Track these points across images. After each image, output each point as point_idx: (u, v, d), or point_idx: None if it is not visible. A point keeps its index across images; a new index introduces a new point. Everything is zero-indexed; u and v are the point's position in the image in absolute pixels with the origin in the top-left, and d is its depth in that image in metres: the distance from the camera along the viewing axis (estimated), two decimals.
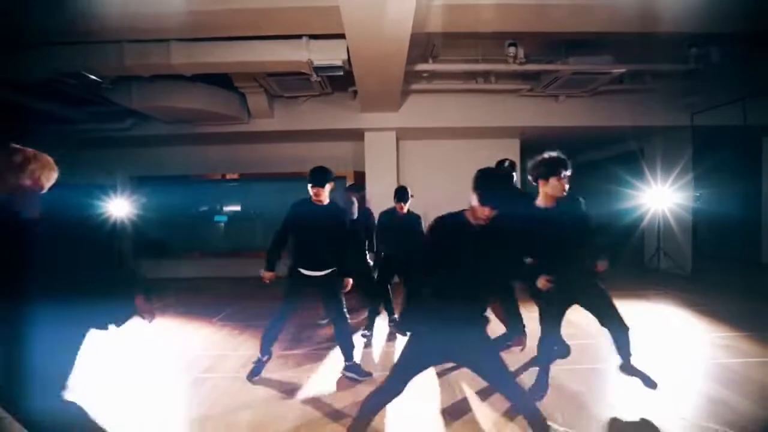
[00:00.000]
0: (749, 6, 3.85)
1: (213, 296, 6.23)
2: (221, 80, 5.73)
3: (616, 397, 2.84)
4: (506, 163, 3.33)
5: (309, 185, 2.95)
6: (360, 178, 7.33)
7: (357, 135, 7.24)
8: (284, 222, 3.07)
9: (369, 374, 3.12)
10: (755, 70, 5.64)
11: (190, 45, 4.35)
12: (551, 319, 2.64)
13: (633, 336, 2.63)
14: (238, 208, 8.02)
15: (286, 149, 7.80)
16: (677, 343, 3.87)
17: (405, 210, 4.05)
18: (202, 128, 6.79)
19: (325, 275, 3.04)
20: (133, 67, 4.48)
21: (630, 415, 2.58)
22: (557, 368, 3.27)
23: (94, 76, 4.57)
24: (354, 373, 3.11)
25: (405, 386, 1.90)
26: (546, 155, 2.49)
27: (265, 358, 3.17)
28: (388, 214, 4.14)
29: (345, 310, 3.12)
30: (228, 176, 7.80)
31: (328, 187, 2.96)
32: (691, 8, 3.87)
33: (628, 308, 4.73)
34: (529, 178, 2.60)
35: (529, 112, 6.87)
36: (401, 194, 4.01)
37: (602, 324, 2.63)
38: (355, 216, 4.38)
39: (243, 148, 7.78)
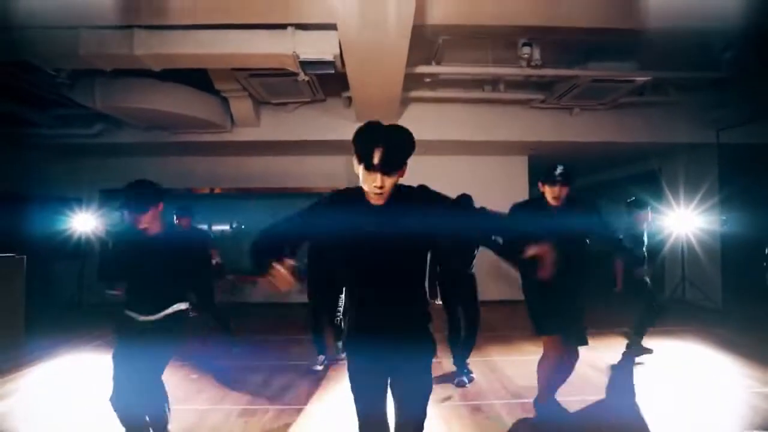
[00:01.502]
0: None
1: None
2: (200, 82, 5.12)
3: None
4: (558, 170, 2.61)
5: None
6: None
7: (351, 147, 6.60)
8: None
9: None
10: None
11: (157, 33, 3.73)
12: None
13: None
14: (222, 226, 7.30)
15: (273, 162, 7.14)
16: (711, 394, 3.16)
17: None
18: (180, 137, 6.13)
19: None
20: (90, 58, 3.83)
21: None
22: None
23: (44, 66, 3.93)
24: None
25: None
26: None
27: None
28: None
29: None
30: (216, 191, 7.14)
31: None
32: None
33: (650, 346, 4.02)
34: None
35: (539, 125, 6.29)
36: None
37: None
38: None
39: (226, 160, 7.12)
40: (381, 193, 1.36)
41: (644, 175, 7.80)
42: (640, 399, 3.09)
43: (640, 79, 5.00)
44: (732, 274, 6.43)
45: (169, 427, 2.31)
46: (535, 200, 2.69)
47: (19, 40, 3.64)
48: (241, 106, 5.70)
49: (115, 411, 2.12)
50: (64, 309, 6.44)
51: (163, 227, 2.28)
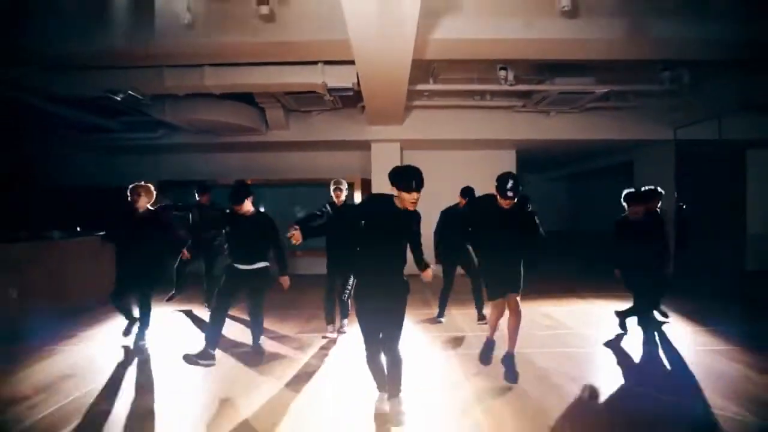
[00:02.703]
0: (717, 36, 4.33)
1: None
2: (243, 96, 6.41)
3: (579, 372, 3.41)
4: (509, 184, 3.02)
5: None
6: (366, 184, 7.98)
7: (364, 145, 7.89)
8: None
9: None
10: (728, 91, 6.20)
11: (222, 69, 5.03)
12: None
13: None
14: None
15: (299, 158, 8.51)
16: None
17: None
18: (224, 138, 7.49)
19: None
20: (172, 87, 5.18)
21: (584, 387, 3.14)
22: (533, 350, 3.86)
23: (138, 94, 5.28)
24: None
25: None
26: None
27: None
28: (452, 210, 4.76)
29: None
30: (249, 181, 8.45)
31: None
32: (665, 38, 4.39)
33: (613, 307, 5.15)
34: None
35: (522, 126, 7.48)
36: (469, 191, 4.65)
37: None
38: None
39: (260, 156, 8.49)
40: (415, 203, 2.44)
41: (616, 166, 8.94)
42: (592, 344, 4.26)
43: (599, 90, 6.14)
44: (682, 250, 7.62)
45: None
46: (490, 198, 3.20)
47: (123, 76, 5.01)
48: (275, 114, 7.02)
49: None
50: None
51: (254, 211, 3.64)
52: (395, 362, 2.59)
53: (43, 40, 4.34)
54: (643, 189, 4.45)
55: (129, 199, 3.95)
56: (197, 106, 6.10)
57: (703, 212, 7.78)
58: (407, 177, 2.41)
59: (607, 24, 4.08)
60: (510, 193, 2.98)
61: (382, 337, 2.58)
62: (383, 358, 2.64)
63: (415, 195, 2.42)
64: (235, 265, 3.59)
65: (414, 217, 2.56)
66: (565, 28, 4.07)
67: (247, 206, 3.56)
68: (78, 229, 5.94)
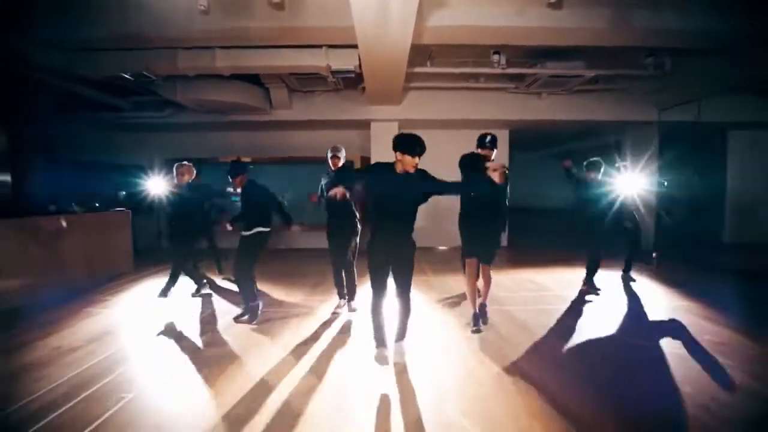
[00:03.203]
0: (696, 26, 4.67)
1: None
2: (249, 76, 6.71)
3: (553, 323, 3.93)
4: (488, 139, 3.62)
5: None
6: (366, 162, 8.37)
7: (364, 124, 8.24)
8: None
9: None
10: (707, 76, 6.57)
11: (232, 51, 5.34)
12: None
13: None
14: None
15: (302, 136, 8.84)
16: (642, 307, 4.63)
17: None
18: (229, 117, 7.79)
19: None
20: (184, 69, 5.48)
21: (556, 334, 3.66)
22: (516, 307, 4.37)
23: (151, 75, 5.58)
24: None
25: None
26: None
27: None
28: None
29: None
30: (249, 159, 8.77)
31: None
32: (646, 28, 4.73)
33: (600, 276, 5.64)
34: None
35: (515, 107, 7.83)
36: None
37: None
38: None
39: (264, 134, 8.83)
40: (416, 166, 2.79)
41: (603, 146, 9.36)
42: (568, 302, 4.82)
43: (588, 74, 6.50)
44: (663, 224, 8.15)
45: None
46: (475, 155, 3.74)
47: (138, 57, 5.30)
48: (279, 94, 7.31)
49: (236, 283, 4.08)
50: (148, 250, 8.35)
51: (247, 186, 4.08)
52: (405, 310, 3.02)
53: (60, 26, 4.66)
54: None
55: (174, 176, 4.65)
56: (207, 86, 6.39)
57: (685, 189, 8.28)
58: (411, 143, 2.78)
59: (590, 14, 4.45)
60: (489, 144, 3.60)
61: (395, 288, 2.97)
62: (384, 314, 3.05)
63: (417, 159, 2.80)
64: (241, 232, 4.09)
65: (417, 176, 2.84)
66: (552, 17, 4.43)
67: (240, 181, 4.07)
68: (96, 204, 6.32)
